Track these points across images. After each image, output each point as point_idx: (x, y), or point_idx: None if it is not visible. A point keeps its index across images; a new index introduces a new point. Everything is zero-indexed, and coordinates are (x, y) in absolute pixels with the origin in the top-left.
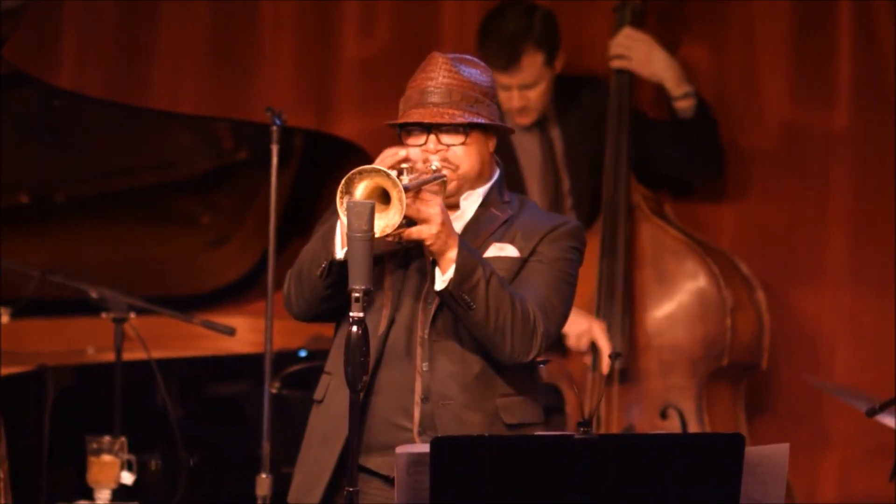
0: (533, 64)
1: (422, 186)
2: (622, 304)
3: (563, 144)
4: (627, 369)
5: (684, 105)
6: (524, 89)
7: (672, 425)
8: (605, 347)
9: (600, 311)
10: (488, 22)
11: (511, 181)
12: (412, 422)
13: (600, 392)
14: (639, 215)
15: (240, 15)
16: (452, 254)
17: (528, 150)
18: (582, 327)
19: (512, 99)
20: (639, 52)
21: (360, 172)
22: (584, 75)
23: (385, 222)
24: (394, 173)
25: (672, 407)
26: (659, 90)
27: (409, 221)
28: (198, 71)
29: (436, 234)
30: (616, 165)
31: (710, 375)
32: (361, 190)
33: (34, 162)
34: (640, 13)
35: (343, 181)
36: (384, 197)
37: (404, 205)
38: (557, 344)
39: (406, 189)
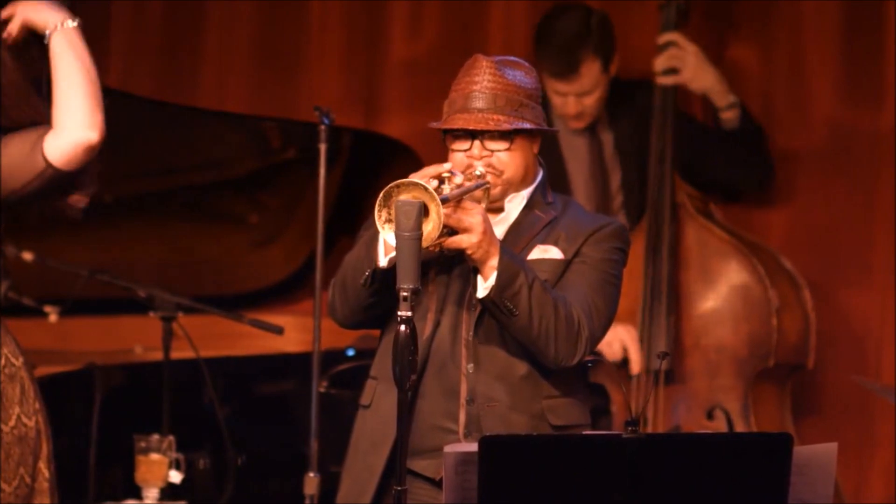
0: (591, 71)
1: (463, 195)
2: (667, 304)
3: (614, 146)
4: (673, 370)
5: (730, 115)
6: (581, 96)
7: (718, 426)
8: (636, 359)
9: (646, 310)
10: (544, 27)
11: (557, 182)
12: (458, 424)
13: (647, 392)
14: (684, 215)
15: (287, 15)
16: (494, 261)
17: (576, 152)
18: (608, 336)
19: (567, 105)
20: (689, 66)
21: (398, 186)
22: (634, 78)
23: (423, 234)
24: (434, 183)
25: (718, 407)
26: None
27: (451, 231)
28: (245, 70)
29: (477, 242)
30: (660, 165)
31: (756, 376)
32: None
33: None
34: (685, 12)
35: (381, 194)
36: (423, 210)
37: (442, 218)
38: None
39: (446, 200)
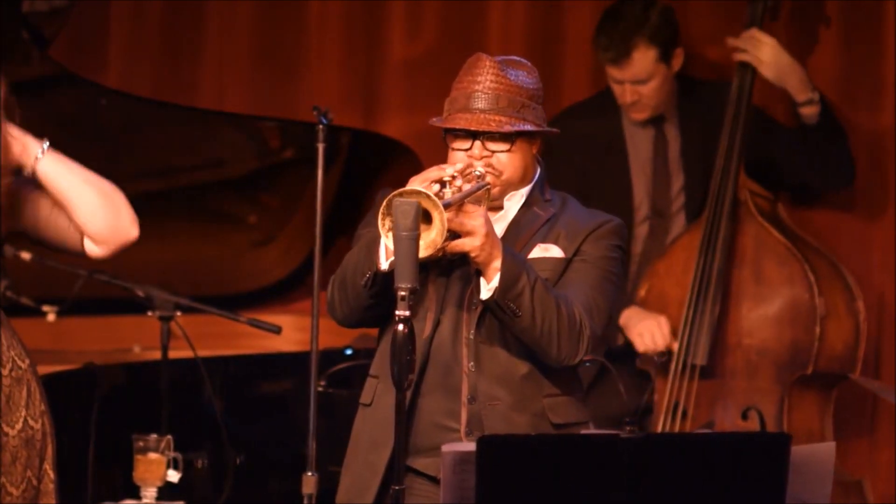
0: (644, 59)
1: (465, 199)
2: (713, 301)
3: (681, 145)
4: (714, 366)
5: (809, 111)
6: (636, 84)
7: (752, 427)
8: (662, 343)
9: (691, 304)
10: (605, 17)
11: (617, 174)
12: (459, 423)
13: (673, 388)
14: (744, 213)
15: (287, 15)
16: (497, 263)
17: (640, 147)
18: (639, 327)
19: (624, 94)
20: (764, 54)
21: (400, 194)
22: (712, 79)
23: (426, 242)
24: (436, 188)
25: (754, 409)
26: (786, 94)
27: (453, 234)
28: (244, 70)
29: (480, 246)
30: (727, 160)
31: (795, 381)
32: None
33: (81, 161)
34: (773, 9)
35: (384, 202)
36: (426, 216)
37: (446, 225)
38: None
39: (449, 205)
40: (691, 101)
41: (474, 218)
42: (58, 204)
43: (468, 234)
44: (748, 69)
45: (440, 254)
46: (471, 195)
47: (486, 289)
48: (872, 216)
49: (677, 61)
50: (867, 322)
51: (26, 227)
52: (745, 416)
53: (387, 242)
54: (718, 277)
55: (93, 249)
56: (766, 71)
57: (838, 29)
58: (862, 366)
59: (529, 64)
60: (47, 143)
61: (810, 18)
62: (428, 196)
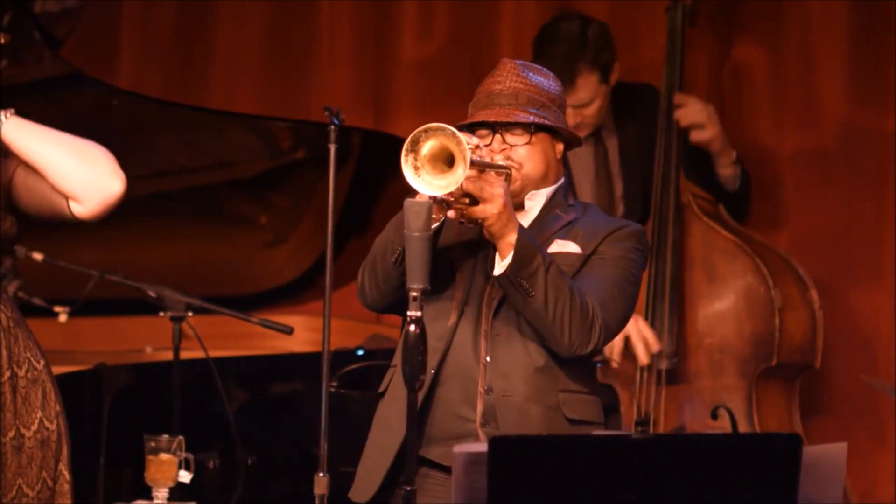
0: (587, 84)
1: (486, 168)
2: (670, 305)
3: (619, 152)
4: (677, 369)
5: (732, 172)
6: (579, 108)
7: (723, 425)
8: (638, 345)
9: (649, 311)
10: (541, 42)
11: None
12: (475, 413)
13: (648, 393)
14: (689, 215)
15: (298, 15)
16: (512, 238)
17: (582, 160)
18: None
19: (566, 116)
20: (714, 122)
21: (425, 131)
22: (638, 82)
23: (448, 181)
24: (459, 133)
25: (723, 407)
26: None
27: (472, 201)
28: (255, 71)
29: (497, 214)
30: (665, 166)
31: (760, 375)
32: (427, 149)
33: None
34: (692, 14)
35: (409, 139)
36: (449, 160)
37: (468, 162)
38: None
39: (472, 162)
40: (622, 105)
41: (494, 186)
42: (32, 169)
43: (486, 200)
44: (675, 75)
45: (458, 215)
46: (492, 168)
47: (500, 264)
48: (876, 218)
49: (615, 77)
50: (822, 311)
51: (22, 205)
52: (714, 416)
53: (410, 183)
54: (672, 281)
55: (78, 210)
56: (711, 135)
57: (845, 33)
58: (860, 366)
59: (553, 74)
60: (12, 111)
61: (819, 21)
62: (453, 134)
